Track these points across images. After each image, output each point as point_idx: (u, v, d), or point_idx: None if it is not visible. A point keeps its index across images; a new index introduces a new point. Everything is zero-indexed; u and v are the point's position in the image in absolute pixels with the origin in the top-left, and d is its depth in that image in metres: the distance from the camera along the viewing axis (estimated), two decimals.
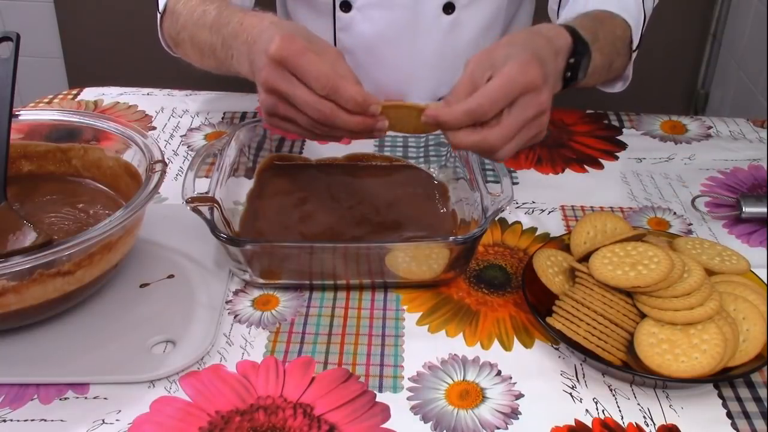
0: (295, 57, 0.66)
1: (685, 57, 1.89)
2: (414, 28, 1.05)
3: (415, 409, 0.61)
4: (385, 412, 0.60)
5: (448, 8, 1.04)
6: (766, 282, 0.69)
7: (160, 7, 0.92)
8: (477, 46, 1.09)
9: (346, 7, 1.06)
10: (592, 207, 0.85)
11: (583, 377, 0.64)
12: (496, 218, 0.77)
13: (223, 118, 1.03)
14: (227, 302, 0.71)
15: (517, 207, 0.85)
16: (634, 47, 0.87)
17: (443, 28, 1.05)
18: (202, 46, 0.82)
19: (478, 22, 1.07)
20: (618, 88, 0.92)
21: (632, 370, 0.62)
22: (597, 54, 0.78)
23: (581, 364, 0.65)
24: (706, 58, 1.87)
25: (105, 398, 0.61)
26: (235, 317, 0.70)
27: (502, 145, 0.66)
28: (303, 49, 0.66)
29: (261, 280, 0.72)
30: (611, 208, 0.85)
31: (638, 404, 0.62)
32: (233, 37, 0.75)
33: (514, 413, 0.60)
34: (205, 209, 0.70)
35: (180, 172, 0.90)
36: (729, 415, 0.61)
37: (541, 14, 1.20)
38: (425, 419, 0.60)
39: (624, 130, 1.02)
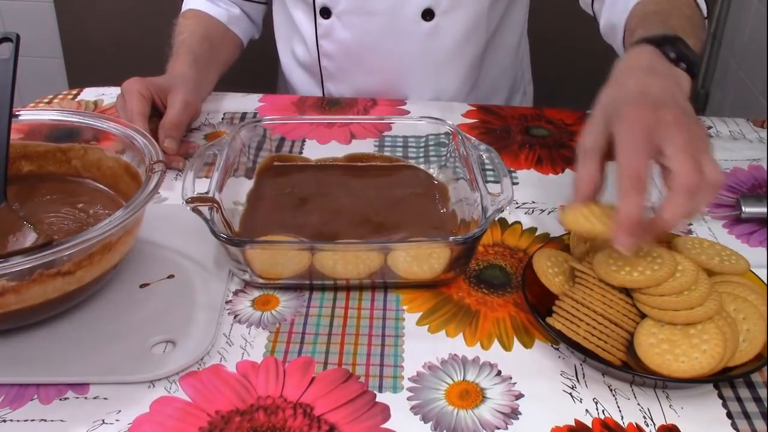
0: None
1: None
2: (393, 34, 1.06)
3: (415, 409, 0.61)
4: (385, 412, 0.60)
5: (427, 15, 1.04)
6: (766, 282, 0.69)
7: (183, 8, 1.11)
8: (459, 51, 1.09)
9: (326, 13, 1.06)
10: None
11: (583, 377, 0.64)
12: (496, 218, 0.77)
13: (223, 118, 1.03)
14: (227, 302, 0.71)
15: (517, 207, 0.85)
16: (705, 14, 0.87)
17: (423, 34, 1.06)
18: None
19: (459, 28, 1.07)
20: None
21: (632, 370, 0.62)
22: (686, 36, 0.73)
23: (581, 364, 0.65)
24: (706, 58, 1.87)
25: (105, 398, 0.61)
26: (235, 317, 0.70)
27: (692, 170, 0.58)
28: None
29: (261, 280, 0.72)
30: (611, 208, 0.85)
31: (638, 404, 0.62)
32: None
33: (514, 413, 0.60)
34: (205, 209, 0.70)
35: (180, 172, 0.90)
36: (729, 415, 0.61)
37: (536, 16, 1.19)
38: (425, 419, 0.60)
39: None
